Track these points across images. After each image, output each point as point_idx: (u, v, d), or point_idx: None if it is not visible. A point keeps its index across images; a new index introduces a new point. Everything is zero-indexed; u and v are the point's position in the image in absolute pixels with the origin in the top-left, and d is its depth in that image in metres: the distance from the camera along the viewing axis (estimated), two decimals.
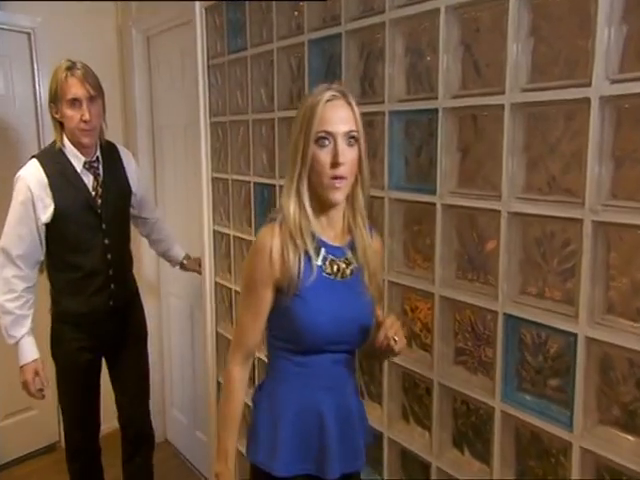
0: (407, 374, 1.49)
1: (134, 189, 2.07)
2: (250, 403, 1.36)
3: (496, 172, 1.20)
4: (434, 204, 1.33)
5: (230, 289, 2.23)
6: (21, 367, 1.87)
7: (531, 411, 1.18)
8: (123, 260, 2.06)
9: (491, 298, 1.24)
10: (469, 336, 1.34)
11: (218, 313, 2.36)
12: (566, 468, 1.13)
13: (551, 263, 1.16)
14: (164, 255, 2.36)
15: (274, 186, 1.88)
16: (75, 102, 1.80)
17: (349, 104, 1.14)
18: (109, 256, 1.94)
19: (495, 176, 1.20)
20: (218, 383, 2.38)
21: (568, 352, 1.12)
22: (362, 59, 1.52)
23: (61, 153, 1.86)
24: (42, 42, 2.67)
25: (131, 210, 2.12)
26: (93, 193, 1.90)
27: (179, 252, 2.34)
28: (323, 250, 1.19)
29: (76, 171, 1.87)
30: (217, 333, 2.36)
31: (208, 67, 2.21)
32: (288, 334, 1.20)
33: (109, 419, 2.25)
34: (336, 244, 1.21)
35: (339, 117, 1.12)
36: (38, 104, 2.71)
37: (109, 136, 2.03)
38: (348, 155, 1.12)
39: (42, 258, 1.89)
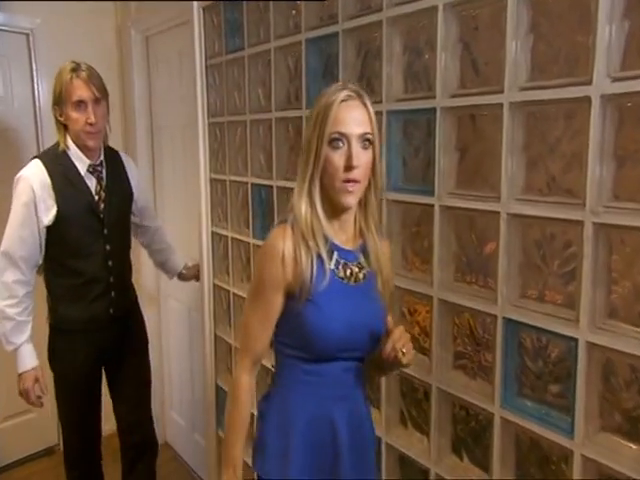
0: (405, 378, 1.47)
1: (136, 196, 2.05)
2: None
3: (495, 173, 1.17)
4: (432, 205, 1.31)
5: (228, 291, 2.21)
6: (20, 375, 1.83)
7: (531, 417, 1.16)
8: (124, 267, 2.02)
9: (490, 302, 1.21)
10: (468, 340, 1.31)
11: (216, 315, 2.34)
12: (567, 476, 1.11)
13: (551, 266, 1.13)
14: (163, 265, 2.30)
15: (271, 187, 1.86)
16: (80, 104, 1.77)
17: (364, 105, 1.10)
18: (110, 262, 1.90)
19: (494, 177, 1.18)
20: (217, 386, 2.36)
21: (569, 357, 1.09)
22: (360, 58, 1.49)
23: (65, 155, 1.82)
24: (41, 43, 2.66)
25: (132, 218, 2.08)
26: (96, 197, 1.86)
27: (179, 261, 2.31)
28: (336, 254, 1.15)
29: (80, 174, 1.84)
30: (215, 336, 2.34)
31: (206, 67, 2.19)
32: (299, 341, 1.16)
33: (107, 422, 2.23)
34: (348, 248, 1.18)
35: (354, 118, 1.08)
36: (37, 105, 2.70)
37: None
38: (362, 158, 1.08)
39: (40, 262, 1.85)
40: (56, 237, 1.81)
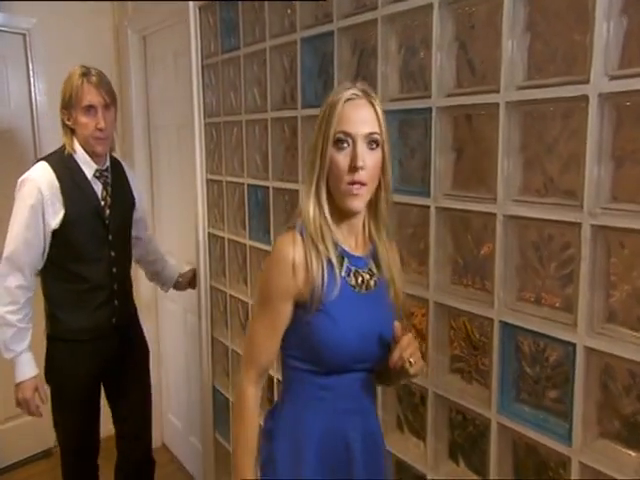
0: None
1: (137, 206, 2.02)
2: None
3: (492, 174, 1.15)
4: (428, 207, 1.29)
5: (225, 293, 2.19)
6: (18, 384, 1.76)
7: (528, 423, 1.13)
8: (127, 276, 1.98)
9: (487, 305, 1.19)
10: (464, 344, 1.29)
11: (213, 318, 2.32)
12: None
13: (549, 268, 1.10)
14: (159, 275, 2.24)
15: (267, 188, 1.84)
16: (90, 109, 1.75)
17: (371, 104, 1.06)
18: (114, 270, 1.87)
19: (491, 178, 1.15)
20: (214, 388, 2.34)
21: (567, 362, 1.06)
22: (355, 57, 1.47)
23: (71, 159, 1.79)
24: (38, 43, 2.65)
25: None
26: (102, 203, 1.83)
27: (173, 270, 2.27)
28: (346, 260, 1.10)
29: (87, 178, 1.80)
30: (212, 338, 2.32)
31: (202, 67, 2.17)
32: (309, 354, 1.10)
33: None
34: (358, 254, 1.13)
35: (359, 117, 1.04)
36: (34, 105, 2.69)
37: None
38: (368, 159, 1.04)
39: (40, 267, 1.79)
40: (61, 241, 1.77)
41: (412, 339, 1.05)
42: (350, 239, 1.13)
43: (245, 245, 2.01)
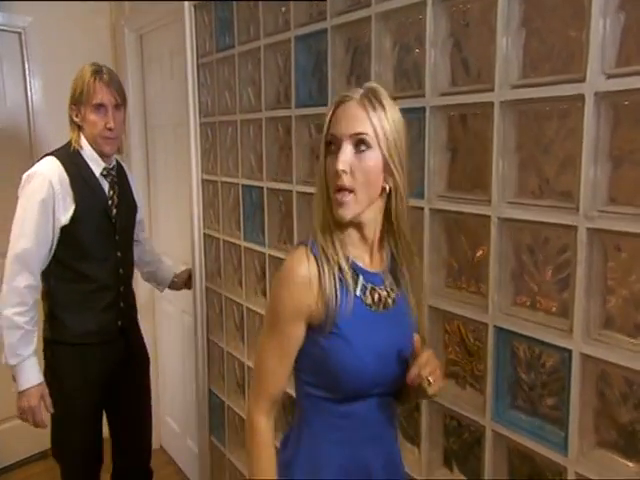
0: None
1: (139, 206, 1.99)
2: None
3: (486, 175, 1.12)
4: (422, 209, 1.26)
5: (220, 295, 2.17)
6: (23, 392, 1.65)
7: (523, 431, 1.10)
8: (131, 278, 1.93)
9: (481, 309, 1.16)
10: (459, 349, 1.26)
11: (209, 319, 2.29)
12: None
13: (544, 272, 1.07)
14: (155, 275, 2.19)
15: (262, 188, 1.81)
16: (100, 108, 1.71)
17: (363, 105, 0.96)
18: (121, 271, 1.82)
19: (485, 179, 1.12)
20: (209, 391, 2.32)
21: (562, 369, 1.03)
22: (349, 55, 1.44)
23: (78, 155, 1.73)
24: (33, 41, 2.63)
25: None
26: (109, 202, 1.79)
27: (169, 270, 2.23)
28: (361, 278, 1.02)
29: (94, 175, 1.75)
30: (208, 340, 2.30)
31: (197, 66, 2.15)
32: (325, 379, 1.02)
33: None
34: (374, 270, 1.04)
35: (345, 117, 0.96)
36: (29, 104, 2.68)
37: None
38: (356, 163, 0.95)
39: (45, 266, 1.71)
40: (68, 238, 1.70)
41: (432, 356, 0.97)
42: (364, 254, 1.04)
43: (240, 246, 1.98)
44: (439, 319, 1.28)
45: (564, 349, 1.01)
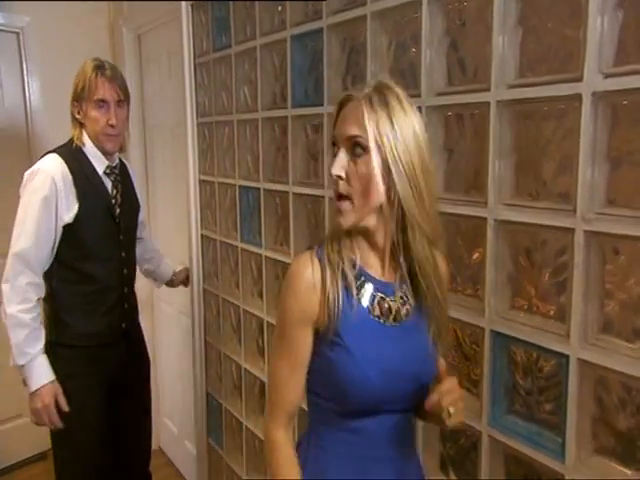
0: None
1: (141, 205, 1.97)
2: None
3: (482, 176, 1.10)
4: None
5: (217, 296, 2.15)
6: (35, 392, 1.58)
7: (520, 437, 1.08)
8: (134, 279, 1.90)
9: (478, 313, 1.14)
10: (456, 352, 1.24)
11: (207, 321, 2.28)
12: None
13: (542, 276, 1.05)
14: (154, 272, 2.16)
15: (258, 189, 1.79)
16: (102, 104, 1.67)
17: (364, 104, 0.88)
18: (125, 271, 1.79)
19: (481, 180, 1.10)
20: (207, 393, 2.30)
21: (560, 374, 1.01)
22: (344, 54, 1.43)
23: (80, 152, 1.69)
24: (32, 41, 2.62)
25: None
26: (113, 201, 1.75)
27: (168, 267, 2.21)
28: (371, 286, 0.97)
29: (97, 173, 1.71)
30: (206, 341, 2.29)
31: (195, 66, 2.13)
32: (332, 392, 0.97)
33: None
34: (386, 280, 0.98)
35: (344, 118, 0.91)
36: (28, 104, 2.67)
37: None
38: (353, 168, 0.89)
39: (47, 266, 1.67)
40: (71, 238, 1.66)
41: (456, 385, 0.89)
42: (375, 262, 0.98)
43: (237, 248, 1.97)
44: None
45: (561, 354, 0.99)
